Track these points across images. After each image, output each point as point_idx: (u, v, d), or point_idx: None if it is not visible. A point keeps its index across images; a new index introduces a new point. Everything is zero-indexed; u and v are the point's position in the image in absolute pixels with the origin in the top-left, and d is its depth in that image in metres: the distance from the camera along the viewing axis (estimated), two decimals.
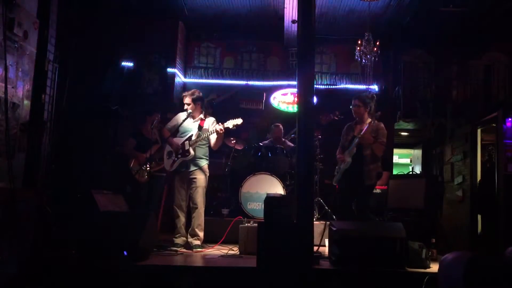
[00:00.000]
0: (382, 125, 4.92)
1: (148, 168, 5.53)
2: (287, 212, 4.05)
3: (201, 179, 4.98)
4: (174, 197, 5.02)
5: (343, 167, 4.87)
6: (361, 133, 4.73)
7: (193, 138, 4.97)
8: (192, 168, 4.96)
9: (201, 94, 5.18)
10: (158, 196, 5.96)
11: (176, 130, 5.10)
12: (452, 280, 1.95)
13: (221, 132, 4.87)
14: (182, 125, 5.04)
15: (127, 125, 6.90)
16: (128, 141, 6.01)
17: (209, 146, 5.11)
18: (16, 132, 3.90)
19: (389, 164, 7.92)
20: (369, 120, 4.86)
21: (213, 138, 5.03)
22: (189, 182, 4.98)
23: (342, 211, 5.19)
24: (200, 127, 5.05)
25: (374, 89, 8.49)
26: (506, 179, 5.45)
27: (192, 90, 5.18)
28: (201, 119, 5.10)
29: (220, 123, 4.91)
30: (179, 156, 4.96)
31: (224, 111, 4.95)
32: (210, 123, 5.09)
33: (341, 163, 4.95)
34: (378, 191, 6.33)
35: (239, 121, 4.92)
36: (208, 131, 4.98)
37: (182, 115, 5.12)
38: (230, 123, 4.91)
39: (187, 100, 5.06)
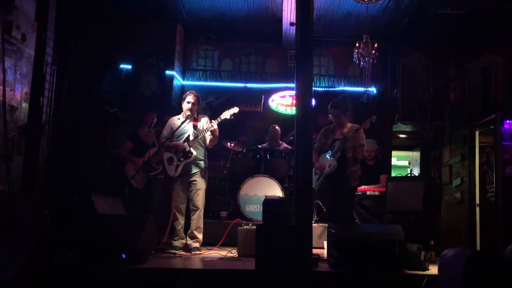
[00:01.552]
0: (361, 129, 4.95)
1: (143, 176, 5.45)
2: (285, 215, 4.06)
3: (201, 181, 4.98)
4: (173, 200, 5.01)
5: (328, 171, 4.88)
6: (351, 134, 4.78)
7: (191, 138, 4.96)
8: (193, 171, 4.96)
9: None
10: (157, 198, 5.92)
11: (172, 135, 5.05)
12: (452, 276, 1.95)
13: (213, 129, 4.85)
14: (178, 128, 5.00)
15: (126, 128, 6.88)
16: (124, 143, 5.95)
17: (206, 148, 5.09)
18: (14, 135, 3.90)
19: (388, 167, 7.91)
20: (349, 124, 4.94)
21: (207, 136, 5.01)
22: (189, 184, 4.97)
23: (328, 215, 5.25)
24: (195, 126, 5.03)
25: (372, 91, 8.50)
26: (504, 181, 5.46)
27: (192, 90, 5.17)
28: (194, 119, 5.07)
29: (214, 120, 4.91)
30: (182, 159, 4.94)
31: None
32: (204, 121, 5.08)
33: (321, 170, 4.95)
34: (376, 193, 6.33)
35: (235, 109, 4.91)
36: (204, 129, 4.97)
37: (175, 120, 5.10)
38: (227, 114, 4.90)
39: (192, 98, 5.01)
